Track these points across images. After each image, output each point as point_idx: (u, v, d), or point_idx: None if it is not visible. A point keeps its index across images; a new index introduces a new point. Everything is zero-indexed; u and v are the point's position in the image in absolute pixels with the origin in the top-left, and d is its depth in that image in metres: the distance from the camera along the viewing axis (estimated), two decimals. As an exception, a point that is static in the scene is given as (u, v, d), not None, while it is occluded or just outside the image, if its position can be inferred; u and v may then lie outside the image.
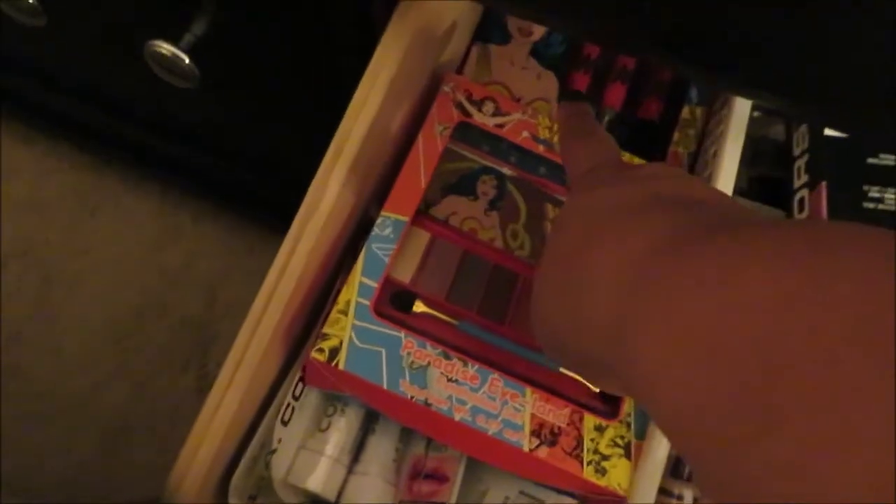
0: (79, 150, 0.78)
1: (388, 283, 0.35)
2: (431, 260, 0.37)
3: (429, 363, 0.32)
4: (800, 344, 0.13)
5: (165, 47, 0.39)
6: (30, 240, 0.77)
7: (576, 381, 0.35)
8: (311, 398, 0.35)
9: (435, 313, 0.35)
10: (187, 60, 0.40)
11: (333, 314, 0.33)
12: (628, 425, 0.33)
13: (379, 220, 0.34)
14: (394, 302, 0.35)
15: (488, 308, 0.36)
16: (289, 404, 0.34)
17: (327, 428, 0.35)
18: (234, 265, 0.77)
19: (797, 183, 0.41)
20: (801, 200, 0.41)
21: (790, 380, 0.13)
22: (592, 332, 0.19)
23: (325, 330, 0.32)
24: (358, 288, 0.33)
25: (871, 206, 0.37)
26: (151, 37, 0.40)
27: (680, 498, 0.35)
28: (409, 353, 0.32)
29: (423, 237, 0.37)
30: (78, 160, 0.78)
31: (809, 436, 0.12)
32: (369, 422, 0.36)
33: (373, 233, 0.34)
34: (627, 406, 0.33)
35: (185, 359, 0.75)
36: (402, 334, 0.32)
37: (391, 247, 0.34)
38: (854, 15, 0.21)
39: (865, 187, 0.38)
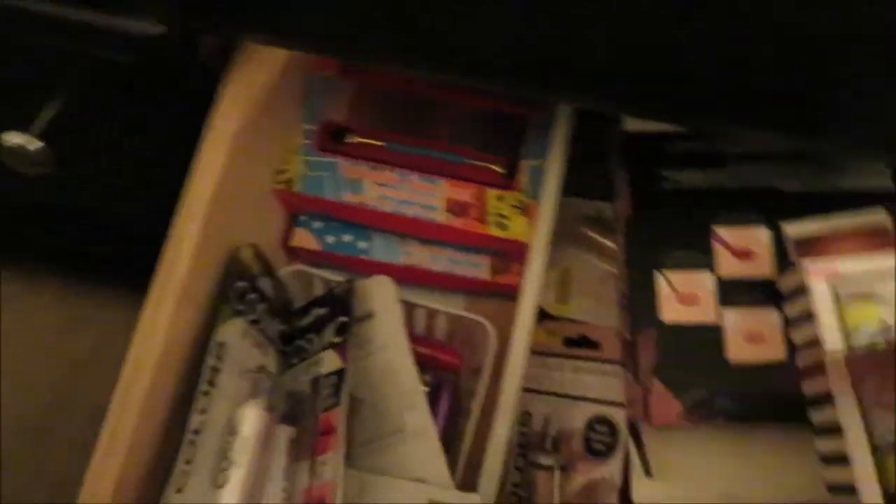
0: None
1: (329, 125, 0.44)
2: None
3: (361, 177, 0.43)
4: None
5: (14, 139, 0.39)
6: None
7: (481, 167, 0.43)
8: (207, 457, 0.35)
9: (367, 140, 0.44)
10: (40, 145, 0.40)
11: (287, 156, 0.43)
12: (524, 191, 0.42)
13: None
14: (332, 137, 0.44)
15: (411, 127, 0.45)
16: (184, 471, 0.34)
17: (223, 484, 0.35)
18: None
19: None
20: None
21: None
22: None
23: (281, 167, 0.43)
24: (303, 133, 0.43)
25: (668, 186, 0.43)
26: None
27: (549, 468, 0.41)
28: (346, 172, 0.43)
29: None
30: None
31: None
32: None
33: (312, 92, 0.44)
34: (523, 177, 0.42)
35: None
36: (338, 159, 0.43)
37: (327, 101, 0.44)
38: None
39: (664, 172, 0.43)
